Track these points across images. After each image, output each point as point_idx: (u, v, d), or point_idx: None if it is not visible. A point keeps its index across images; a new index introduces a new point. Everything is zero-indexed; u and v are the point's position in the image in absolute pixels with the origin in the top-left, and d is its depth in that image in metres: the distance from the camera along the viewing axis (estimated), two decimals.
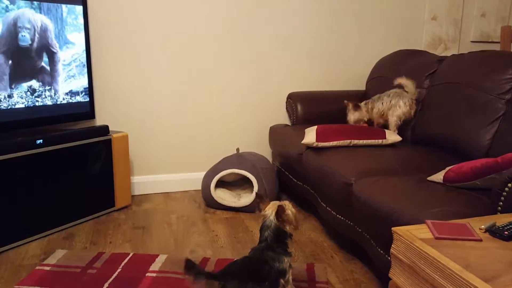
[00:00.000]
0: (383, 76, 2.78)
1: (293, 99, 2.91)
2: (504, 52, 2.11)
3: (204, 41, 2.81)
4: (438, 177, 1.68)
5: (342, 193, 1.89)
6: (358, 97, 2.81)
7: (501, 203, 1.25)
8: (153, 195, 2.86)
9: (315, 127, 2.35)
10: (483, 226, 1.01)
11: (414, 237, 1.10)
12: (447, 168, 1.69)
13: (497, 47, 3.30)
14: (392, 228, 1.23)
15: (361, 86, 3.08)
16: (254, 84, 2.96)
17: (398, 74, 2.61)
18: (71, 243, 2.14)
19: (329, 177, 2.02)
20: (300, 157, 2.36)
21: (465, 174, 1.58)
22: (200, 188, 2.78)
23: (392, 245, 1.22)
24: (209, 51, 2.83)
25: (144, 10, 2.66)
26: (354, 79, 3.12)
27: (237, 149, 2.77)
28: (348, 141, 2.22)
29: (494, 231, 0.97)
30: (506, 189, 1.23)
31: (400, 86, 2.46)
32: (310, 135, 2.28)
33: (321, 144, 2.22)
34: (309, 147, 2.30)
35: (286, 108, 3.01)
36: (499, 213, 1.26)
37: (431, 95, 2.38)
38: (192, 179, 2.94)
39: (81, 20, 2.39)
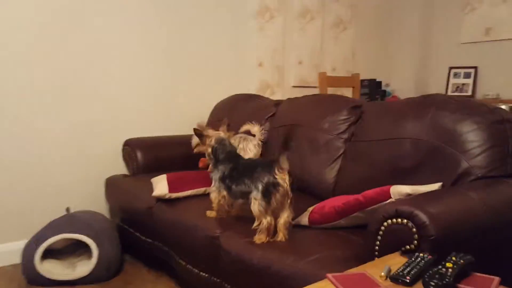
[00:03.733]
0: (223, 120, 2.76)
1: (131, 146, 2.64)
2: (335, 96, 2.32)
3: (20, 80, 2.33)
4: (303, 219, 1.68)
5: (206, 248, 1.73)
6: None
7: (378, 242, 1.28)
8: None
9: (164, 176, 2.15)
10: (383, 274, 0.99)
11: None
12: (309, 209, 1.71)
13: (314, 91, 3.69)
14: None
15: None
16: (84, 133, 2.58)
17: (239, 117, 2.63)
18: None
19: (189, 231, 1.83)
20: (149, 211, 2.10)
21: (329, 215, 1.61)
22: (19, 261, 2.22)
23: None
24: (22, 93, 2.36)
25: None
26: (192, 123, 3.02)
27: (67, 209, 2.33)
28: (203, 189, 2.08)
29: (396, 278, 0.96)
30: (382, 227, 1.26)
31: (246, 132, 2.45)
32: (160, 186, 2.06)
33: (174, 194, 2.03)
34: (160, 199, 2.07)
35: (123, 157, 2.71)
36: (377, 252, 1.28)
37: (273, 137, 2.45)
38: (7, 252, 2.34)
39: None
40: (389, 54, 4.33)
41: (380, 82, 3.57)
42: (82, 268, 2.17)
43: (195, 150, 2.39)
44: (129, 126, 2.75)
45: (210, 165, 1.87)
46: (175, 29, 2.91)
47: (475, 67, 4.06)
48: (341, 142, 2.11)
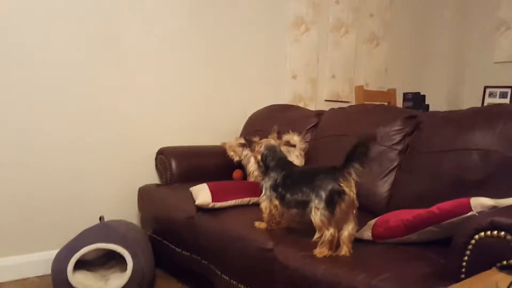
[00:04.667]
0: (262, 130, 2.65)
1: (165, 154, 2.53)
2: (386, 106, 2.21)
3: (59, 85, 2.26)
4: (366, 233, 1.55)
5: (257, 262, 1.59)
6: None
7: (466, 258, 1.14)
8: None
9: (205, 184, 2.03)
10: None
11: None
12: (371, 223, 1.57)
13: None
14: None
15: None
16: (117, 141, 2.49)
17: (278, 128, 2.53)
18: None
19: (236, 243, 1.70)
20: (190, 222, 1.98)
21: (397, 229, 1.47)
22: (49, 272, 2.10)
23: None
24: (57, 102, 2.29)
25: None
26: (226, 133, 2.92)
27: (101, 218, 2.22)
28: (248, 199, 1.96)
29: None
30: (473, 241, 1.13)
31: (286, 143, 2.34)
32: (203, 195, 1.94)
33: (218, 204, 1.90)
34: (201, 208, 1.95)
35: (156, 165, 2.60)
36: (464, 269, 1.15)
37: (317, 147, 2.33)
38: (35, 262, 2.22)
39: None
40: (421, 70, 4.22)
41: (424, 96, 3.44)
42: (115, 281, 2.03)
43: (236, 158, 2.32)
44: (162, 136, 2.65)
45: (260, 173, 1.75)
46: (211, 39, 2.84)
47: None
48: (395, 154, 1.98)
